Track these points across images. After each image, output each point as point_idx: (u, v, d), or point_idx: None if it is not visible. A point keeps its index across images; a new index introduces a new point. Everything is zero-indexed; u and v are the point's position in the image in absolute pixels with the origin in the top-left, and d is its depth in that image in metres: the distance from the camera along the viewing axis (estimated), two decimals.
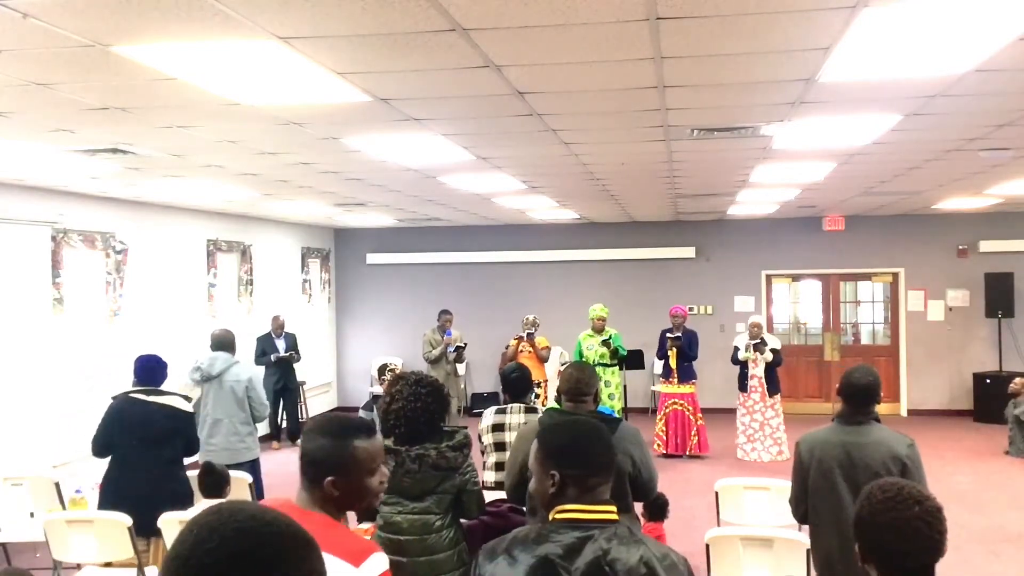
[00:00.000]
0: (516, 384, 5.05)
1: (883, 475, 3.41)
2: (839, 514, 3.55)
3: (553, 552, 1.95)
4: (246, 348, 10.20)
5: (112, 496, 5.08)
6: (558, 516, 2.03)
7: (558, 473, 2.06)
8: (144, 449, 5.08)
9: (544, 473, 2.09)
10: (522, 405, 4.95)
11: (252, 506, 1.19)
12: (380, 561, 2.05)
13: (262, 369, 10.35)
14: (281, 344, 10.83)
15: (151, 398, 5.17)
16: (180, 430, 5.22)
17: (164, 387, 5.37)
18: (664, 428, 9.79)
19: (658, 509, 6.30)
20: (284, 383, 10.86)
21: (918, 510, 1.98)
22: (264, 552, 1.12)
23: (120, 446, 5.15)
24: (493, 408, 5.05)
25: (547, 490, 2.08)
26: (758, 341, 9.62)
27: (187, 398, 5.44)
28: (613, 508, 2.05)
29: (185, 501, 5.07)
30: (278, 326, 10.86)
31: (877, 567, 2.01)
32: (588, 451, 2.10)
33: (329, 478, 2.07)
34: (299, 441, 2.25)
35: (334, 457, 2.09)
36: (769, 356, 9.59)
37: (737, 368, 9.88)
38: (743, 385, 9.77)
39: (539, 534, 2.01)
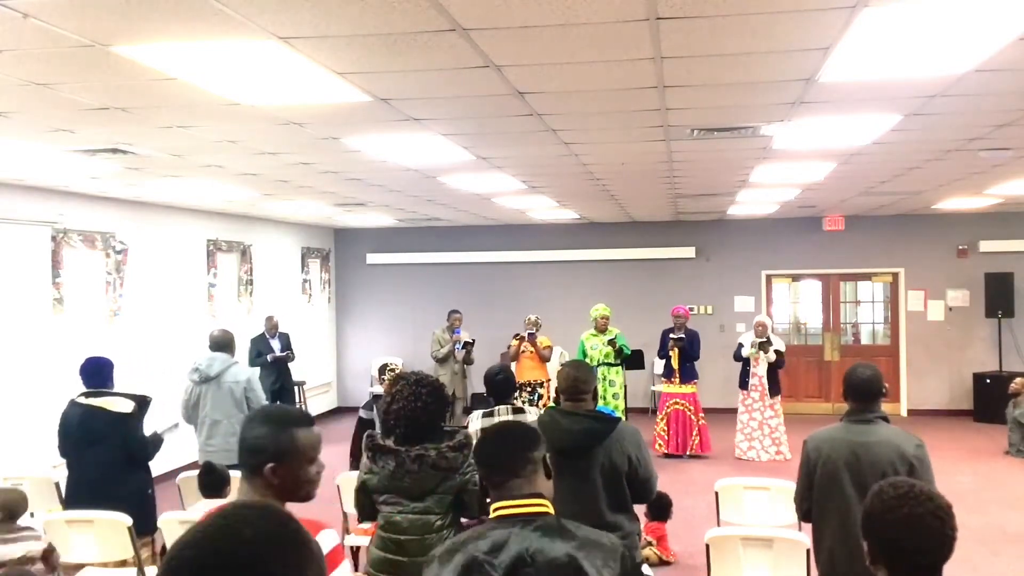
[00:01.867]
0: (501, 386, 5.05)
1: (890, 475, 3.36)
2: (844, 513, 3.52)
3: (480, 549, 2.00)
4: (245, 349, 10.20)
5: (67, 499, 5.13)
6: (490, 516, 2.12)
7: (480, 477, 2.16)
8: (86, 453, 5.07)
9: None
10: (509, 406, 4.94)
11: (254, 513, 1.17)
12: (330, 537, 2.12)
13: (258, 370, 10.33)
14: (276, 344, 10.79)
15: (88, 401, 5.12)
16: (118, 431, 5.07)
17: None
18: (665, 428, 9.80)
19: (661, 509, 6.31)
20: (281, 383, 10.81)
21: (930, 506, 1.98)
22: (250, 557, 1.11)
23: (69, 450, 5.18)
24: (479, 412, 5.02)
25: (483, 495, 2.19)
26: (764, 340, 9.61)
27: (139, 397, 5.22)
28: (542, 501, 2.13)
29: (136, 504, 4.92)
30: (272, 326, 10.83)
31: (887, 566, 1.99)
32: (492, 451, 2.22)
33: (269, 465, 2.13)
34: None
35: (274, 445, 2.15)
36: (772, 357, 9.57)
37: (739, 366, 9.88)
38: (744, 383, 9.78)
39: (472, 534, 2.08)
